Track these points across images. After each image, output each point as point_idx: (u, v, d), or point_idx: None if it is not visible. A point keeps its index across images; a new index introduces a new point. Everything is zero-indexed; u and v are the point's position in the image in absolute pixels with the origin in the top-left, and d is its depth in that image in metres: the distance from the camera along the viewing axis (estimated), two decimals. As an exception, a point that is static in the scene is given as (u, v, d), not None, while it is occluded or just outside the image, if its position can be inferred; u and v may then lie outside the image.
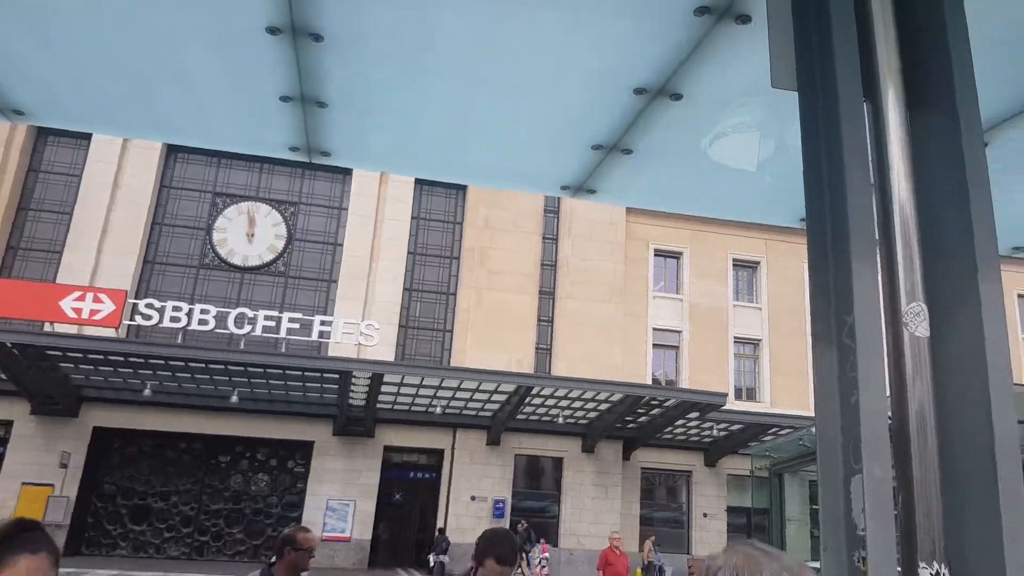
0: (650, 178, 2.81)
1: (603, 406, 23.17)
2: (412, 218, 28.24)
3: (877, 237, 1.14)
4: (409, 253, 27.90)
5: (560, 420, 24.17)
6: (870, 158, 1.16)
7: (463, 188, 28.49)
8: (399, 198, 28.01)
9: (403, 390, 22.44)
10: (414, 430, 25.10)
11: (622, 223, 29.09)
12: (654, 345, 29.02)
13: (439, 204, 28.96)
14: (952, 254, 1.10)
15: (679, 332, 29.20)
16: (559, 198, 28.41)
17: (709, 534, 26.48)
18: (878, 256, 1.12)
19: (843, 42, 1.15)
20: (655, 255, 29.93)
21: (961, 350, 1.06)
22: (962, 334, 1.06)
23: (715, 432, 25.62)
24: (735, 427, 24.97)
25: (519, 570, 21.00)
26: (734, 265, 30.27)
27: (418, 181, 28.03)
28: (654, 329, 29.10)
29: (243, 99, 2.27)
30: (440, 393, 22.54)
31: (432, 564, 21.53)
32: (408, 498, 26.92)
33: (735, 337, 29.53)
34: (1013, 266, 29.29)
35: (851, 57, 1.15)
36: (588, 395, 22.38)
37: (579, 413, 24.11)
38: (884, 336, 1.07)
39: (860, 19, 1.21)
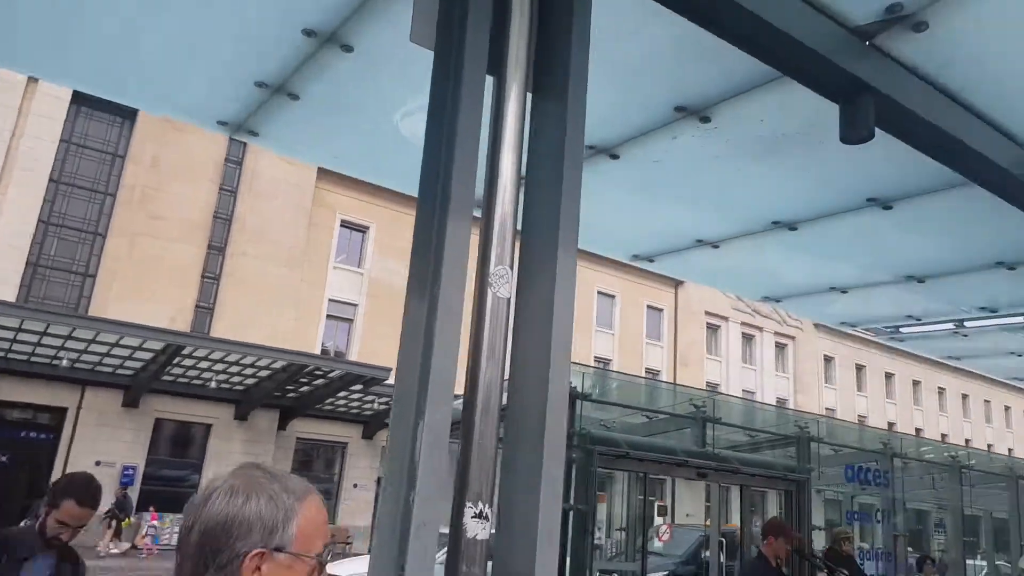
0: (317, 130, 2.72)
1: (263, 373, 22.25)
2: (61, 141, 24.09)
3: (480, 202, 1.22)
4: (51, 181, 23.77)
5: (213, 384, 22.64)
6: (486, 130, 1.24)
7: (132, 117, 25.12)
8: (47, 115, 23.69)
9: (22, 337, 19.04)
10: (31, 384, 21.50)
11: (310, 188, 28.22)
12: (328, 316, 28.73)
13: (99, 131, 25.12)
14: (540, 229, 1.23)
15: (356, 305, 29.29)
16: (245, 147, 26.65)
17: (357, 504, 27.03)
18: (479, 221, 1.21)
19: (479, 13, 1.21)
20: (341, 225, 29.60)
21: (534, 314, 1.18)
22: (537, 300, 1.18)
23: (376, 405, 26.22)
24: (395, 402, 25.85)
25: (110, 543, 19.53)
26: (415, 246, 31.26)
27: (75, 99, 24.03)
28: (330, 300, 28.81)
29: None
30: (70, 344, 19.59)
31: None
32: (17, 460, 22.99)
33: (408, 316, 30.55)
34: (592, 264, 31.39)
35: (483, 29, 1.21)
36: (248, 360, 21.27)
37: (236, 379, 22.83)
38: (472, 295, 1.16)
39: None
